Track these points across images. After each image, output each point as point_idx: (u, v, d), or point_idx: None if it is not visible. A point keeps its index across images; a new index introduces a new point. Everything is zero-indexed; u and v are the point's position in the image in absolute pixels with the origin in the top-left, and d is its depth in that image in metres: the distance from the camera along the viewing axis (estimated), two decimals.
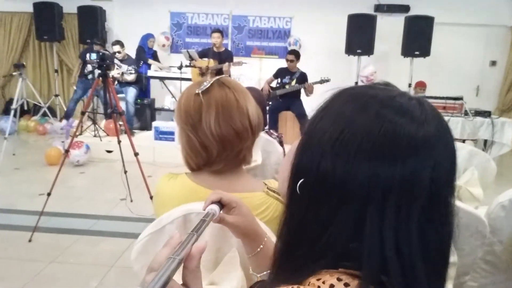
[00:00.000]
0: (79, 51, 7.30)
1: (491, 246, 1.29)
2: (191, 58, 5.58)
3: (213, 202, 0.72)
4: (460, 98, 4.72)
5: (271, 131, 2.29)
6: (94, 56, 2.75)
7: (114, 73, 5.50)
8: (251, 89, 2.28)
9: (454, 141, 0.50)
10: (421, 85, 5.91)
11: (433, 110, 0.50)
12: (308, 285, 0.45)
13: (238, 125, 1.04)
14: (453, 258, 1.09)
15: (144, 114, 6.14)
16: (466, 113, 4.66)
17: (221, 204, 0.74)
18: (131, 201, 3.58)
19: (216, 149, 1.05)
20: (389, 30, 6.44)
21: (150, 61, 6.30)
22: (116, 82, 5.71)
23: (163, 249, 0.48)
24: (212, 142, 1.04)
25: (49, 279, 2.36)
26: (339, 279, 0.44)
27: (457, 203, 1.11)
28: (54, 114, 7.00)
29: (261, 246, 0.78)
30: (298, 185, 0.50)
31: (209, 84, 1.07)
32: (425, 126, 0.47)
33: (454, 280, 1.11)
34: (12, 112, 5.01)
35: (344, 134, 0.47)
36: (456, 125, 4.59)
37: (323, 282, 0.44)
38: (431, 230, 0.47)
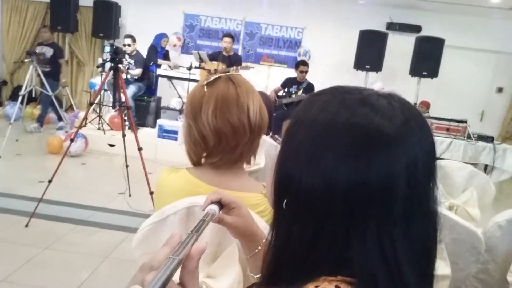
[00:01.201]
0: (91, 44, 7.37)
1: (485, 265, 1.30)
2: (201, 60, 5.63)
3: (212, 202, 0.73)
4: (464, 121, 4.74)
5: (276, 136, 2.31)
6: (108, 49, 2.79)
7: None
8: (259, 93, 2.32)
9: (432, 135, 0.50)
10: (424, 104, 5.94)
11: (404, 105, 0.49)
12: None
13: (234, 120, 1.05)
14: (447, 270, 1.11)
15: (149, 112, 6.17)
16: (469, 137, 4.67)
17: (220, 204, 0.74)
18: (130, 195, 3.60)
19: (213, 140, 1.07)
20: (399, 49, 6.49)
21: (160, 61, 6.35)
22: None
23: (162, 248, 0.48)
24: (209, 133, 1.06)
25: (42, 265, 2.37)
26: (337, 287, 0.44)
27: (455, 218, 1.13)
28: (60, 105, 7.04)
29: (259, 248, 0.78)
30: (284, 204, 0.50)
31: (216, 77, 1.10)
32: (394, 121, 0.46)
33: None
34: (20, 99, 5.05)
35: (319, 147, 0.47)
36: (459, 147, 4.60)
37: None
38: (414, 230, 0.46)
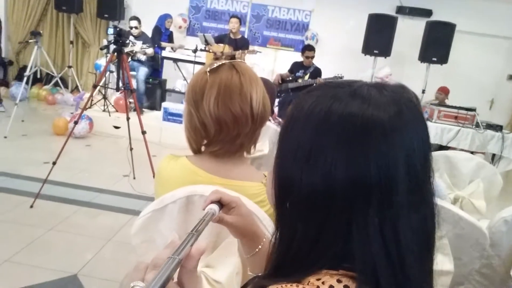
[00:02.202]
0: (96, 25, 7.30)
1: (489, 260, 1.28)
2: (206, 43, 5.55)
3: (212, 202, 0.72)
4: (473, 110, 4.66)
5: (280, 119, 2.28)
6: (111, 31, 2.74)
7: (131, 49, 5.48)
8: (261, 80, 2.28)
9: (426, 123, 0.49)
10: (443, 91, 5.75)
11: (396, 93, 0.49)
12: (308, 284, 0.45)
13: (237, 109, 1.03)
14: (450, 266, 1.09)
15: (154, 94, 6.14)
16: (477, 125, 4.61)
17: (220, 204, 0.74)
18: (134, 178, 3.61)
19: (213, 129, 1.05)
20: (409, 34, 6.35)
21: (164, 44, 6.28)
22: (129, 59, 5.70)
23: (165, 250, 0.48)
24: (210, 121, 1.04)
25: (46, 246, 2.39)
26: (339, 281, 0.44)
27: (460, 213, 1.10)
28: (66, 85, 7.04)
29: (260, 247, 0.78)
30: (287, 205, 0.50)
31: (219, 64, 1.07)
32: (387, 111, 0.46)
33: None
34: (25, 79, 5.04)
35: (315, 142, 0.47)
36: (466, 136, 4.55)
37: (323, 283, 0.44)
38: (415, 221, 0.46)
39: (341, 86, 0.50)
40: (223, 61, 1.10)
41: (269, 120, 2.13)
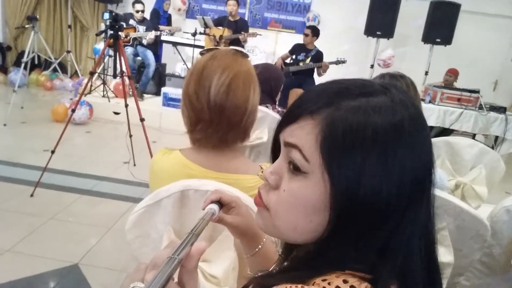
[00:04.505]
0: (95, 8, 7.19)
1: (490, 249, 1.27)
2: (205, 26, 5.46)
3: (212, 202, 0.72)
4: (477, 91, 4.60)
5: (283, 110, 2.24)
6: (107, 16, 2.68)
7: (135, 35, 5.39)
8: (265, 66, 2.22)
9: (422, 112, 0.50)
10: (453, 72, 5.60)
11: (405, 94, 0.48)
12: (313, 284, 0.43)
13: (190, 91, 1.01)
14: (450, 258, 1.07)
15: (154, 79, 6.08)
16: (480, 107, 4.55)
17: (220, 203, 0.73)
18: (134, 165, 3.60)
19: (186, 113, 1.05)
20: (412, 14, 6.22)
21: (162, 27, 6.18)
22: (135, 44, 5.62)
23: (164, 250, 0.48)
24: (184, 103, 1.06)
25: (47, 235, 2.40)
26: (345, 281, 0.42)
27: (461, 204, 1.08)
28: (64, 71, 6.98)
29: (260, 247, 0.77)
30: (345, 214, 0.45)
31: (208, 49, 1.07)
32: (408, 111, 0.45)
33: (448, 280, 1.09)
34: (23, 65, 4.99)
35: (386, 146, 0.44)
36: (469, 118, 4.50)
37: (329, 283, 0.43)
38: (427, 215, 0.47)
39: (376, 95, 0.46)
40: (222, 47, 1.08)
41: (267, 107, 2.09)
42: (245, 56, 1.06)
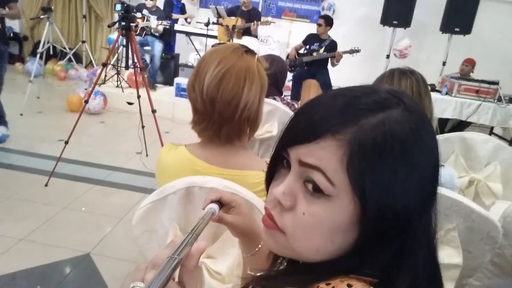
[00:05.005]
0: None
1: (502, 249, 1.24)
2: (218, 15, 5.43)
3: (212, 201, 0.72)
4: (496, 83, 4.46)
5: (292, 102, 2.22)
6: (119, 7, 2.67)
7: (142, 24, 5.39)
8: (271, 58, 2.20)
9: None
10: (470, 63, 5.41)
11: (412, 99, 0.48)
12: None
13: (189, 85, 1.04)
14: (458, 259, 1.05)
15: (167, 69, 6.09)
16: (499, 99, 4.42)
17: (220, 203, 0.73)
18: (147, 155, 3.63)
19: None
20: (431, 2, 6.05)
21: (175, 15, 6.15)
22: (143, 34, 5.63)
23: (165, 249, 0.48)
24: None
25: (60, 224, 2.45)
26: (349, 286, 0.42)
27: (472, 205, 1.05)
28: (79, 61, 7.05)
29: (260, 246, 0.77)
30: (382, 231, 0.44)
31: (220, 43, 1.06)
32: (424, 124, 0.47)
33: (457, 282, 1.07)
34: (38, 55, 5.05)
35: (411, 161, 0.44)
36: (487, 110, 4.38)
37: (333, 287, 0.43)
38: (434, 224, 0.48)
39: (392, 107, 0.45)
40: (229, 43, 1.08)
41: (275, 99, 2.07)
42: (251, 53, 1.04)
